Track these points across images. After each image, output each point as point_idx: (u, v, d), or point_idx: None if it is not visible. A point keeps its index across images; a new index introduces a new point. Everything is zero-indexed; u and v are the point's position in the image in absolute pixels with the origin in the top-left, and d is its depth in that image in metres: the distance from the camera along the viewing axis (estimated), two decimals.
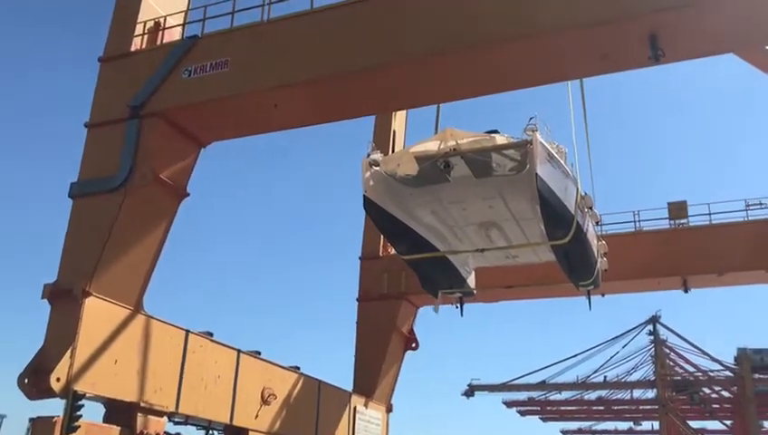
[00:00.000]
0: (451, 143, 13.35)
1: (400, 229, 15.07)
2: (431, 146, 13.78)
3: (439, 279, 17.65)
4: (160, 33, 17.46)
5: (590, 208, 16.43)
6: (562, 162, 14.11)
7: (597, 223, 17.86)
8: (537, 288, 23.75)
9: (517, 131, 13.20)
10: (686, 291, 24.96)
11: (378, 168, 14.07)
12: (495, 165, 13.73)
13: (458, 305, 20.17)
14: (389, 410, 26.01)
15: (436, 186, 14.32)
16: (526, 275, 21.10)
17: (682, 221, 25.56)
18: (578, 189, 15.06)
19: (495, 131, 13.69)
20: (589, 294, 19.30)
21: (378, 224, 15.22)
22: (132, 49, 16.93)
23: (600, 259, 18.16)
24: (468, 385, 66.16)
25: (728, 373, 61.38)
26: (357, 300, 25.87)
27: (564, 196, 13.86)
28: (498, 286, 22.85)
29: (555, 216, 13.78)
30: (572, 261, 16.36)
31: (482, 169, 13.77)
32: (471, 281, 18.57)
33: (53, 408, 13.43)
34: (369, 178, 13.96)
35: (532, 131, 12.76)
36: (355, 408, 23.48)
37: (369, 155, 14.11)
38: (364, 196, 13.91)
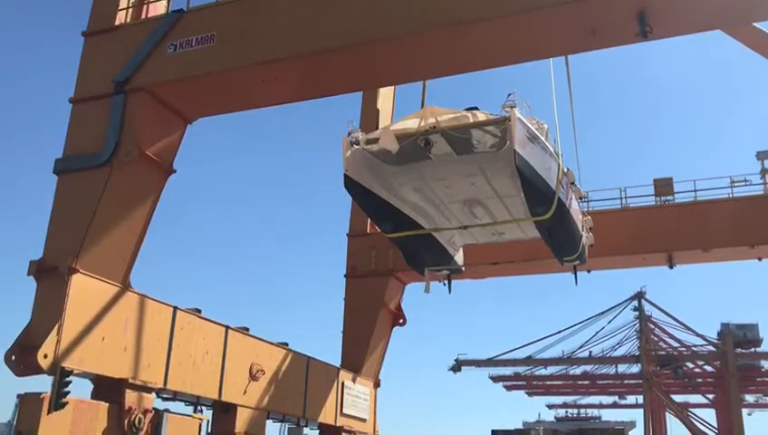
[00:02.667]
0: (431, 120, 13.37)
1: (382, 207, 15.11)
2: (411, 124, 13.79)
3: (425, 256, 17.72)
4: (145, 6, 17.24)
5: (573, 184, 16.48)
6: (543, 138, 14.14)
7: (581, 198, 17.95)
8: (524, 265, 23.96)
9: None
10: (671, 267, 25.19)
11: (358, 146, 14.05)
12: (476, 142, 13.76)
13: (446, 282, 20.28)
14: (377, 385, 26.22)
15: (418, 163, 14.34)
16: (513, 252, 21.22)
17: (668, 198, 25.70)
18: (559, 165, 15.09)
19: (475, 108, 13.72)
20: (575, 270, 19.47)
21: (359, 202, 15.22)
22: (117, 23, 16.70)
23: (585, 234, 18.27)
24: (455, 360, 66.81)
25: (711, 348, 62.30)
26: (345, 276, 25.94)
27: (545, 172, 13.90)
28: (484, 263, 22.98)
29: (535, 192, 13.85)
30: (556, 237, 16.47)
31: (462, 146, 13.79)
32: (459, 258, 18.64)
33: (41, 384, 13.44)
34: (350, 157, 13.95)
35: (511, 108, 12.76)
36: (343, 383, 23.64)
37: (349, 133, 14.08)
38: (345, 174, 13.91)
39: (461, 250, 18.78)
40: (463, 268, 19.14)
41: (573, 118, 19.09)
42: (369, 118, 25.21)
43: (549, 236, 16.48)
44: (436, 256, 17.56)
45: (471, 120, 13.41)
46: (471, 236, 17.63)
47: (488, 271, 25.48)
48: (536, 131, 13.73)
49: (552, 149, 14.73)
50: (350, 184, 14.08)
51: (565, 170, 15.73)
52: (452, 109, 13.65)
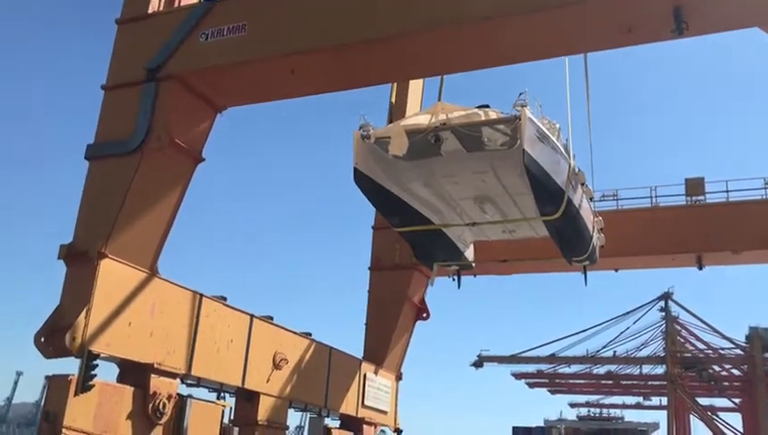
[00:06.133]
0: (441, 117, 13.41)
1: (392, 201, 15.21)
2: (422, 120, 13.88)
3: (434, 251, 17.78)
4: None
5: (584, 184, 16.40)
6: (554, 138, 14.07)
7: (591, 199, 17.81)
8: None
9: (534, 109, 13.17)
10: (700, 268, 24.81)
11: (369, 140, 14.07)
12: (486, 139, 13.76)
13: (455, 278, 20.31)
14: (399, 378, 26.21)
15: (429, 159, 14.37)
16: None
17: (699, 198, 25.35)
18: (570, 165, 15.00)
19: (486, 106, 13.70)
20: (584, 270, 19.42)
21: (368, 196, 15.22)
22: (150, 11, 16.81)
23: (596, 235, 18.19)
24: (477, 356, 66.54)
25: (739, 352, 61.32)
26: (369, 269, 25.94)
27: (554, 171, 13.88)
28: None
29: (545, 191, 13.83)
30: (565, 236, 16.47)
31: (473, 144, 13.78)
32: (469, 254, 18.68)
33: (69, 366, 13.64)
34: (360, 151, 14.00)
35: (521, 107, 12.72)
36: (365, 375, 23.70)
37: (360, 128, 14.12)
38: (354, 167, 14.00)
39: (471, 246, 18.79)
40: (473, 264, 19.16)
41: (589, 117, 18.99)
42: (398, 109, 25.05)
43: (558, 236, 16.47)
44: (446, 251, 17.60)
45: (482, 118, 13.43)
46: (481, 232, 17.64)
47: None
48: (547, 131, 13.68)
49: (563, 149, 14.65)
50: (360, 178, 14.19)
51: (576, 171, 15.65)
52: (463, 106, 13.65)
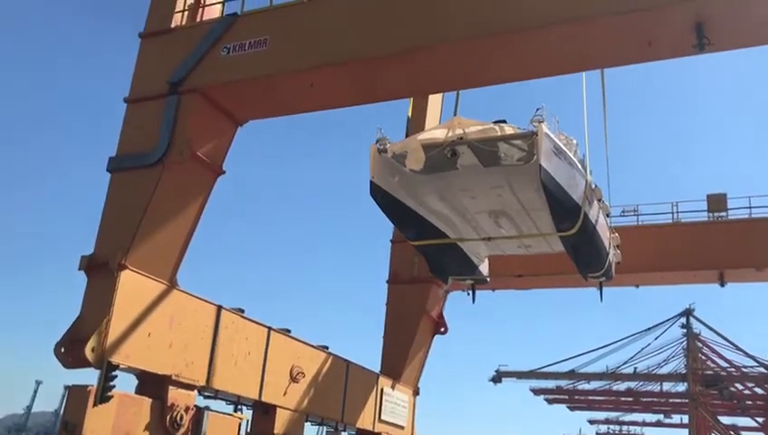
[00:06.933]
0: (458, 132, 13.47)
1: (407, 215, 15.27)
2: (439, 134, 13.93)
3: (449, 265, 17.79)
4: (200, 9, 17.52)
5: (600, 200, 16.32)
6: (570, 154, 14.03)
7: (608, 215, 17.72)
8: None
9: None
10: (722, 285, 24.50)
11: (386, 154, 14.11)
12: (503, 154, 13.80)
13: (470, 292, 20.22)
14: (416, 393, 26.05)
15: (445, 173, 14.38)
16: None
17: (721, 214, 25.08)
18: (587, 181, 14.94)
19: (503, 121, 13.74)
20: (600, 286, 19.33)
21: (384, 209, 15.24)
22: (172, 26, 17.02)
23: (612, 251, 18.09)
24: (496, 371, 65.90)
25: (762, 370, 60.32)
26: (387, 282, 25.88)
27: (571, 187, 13.86)
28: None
29: (561, 207, 13.80)
30: (581, 252, 16.42)
31: (489, 159, 13.82)
32: (484, 268, 18.65)
33: (88, 376, 13.75)
34: (377, 164, 14.03)
35: (539, 122, 12.71)
36: (382, 389, 23.59)
37: (377, 141, 14.16)
38: (371, 181, 14.04)
39: (486, 260, 18.77)
40: (488, 279, 19.12)
41: (606, 132, 19.05)
42: (415, 123, 25.04)
43: (574, 252, 16.41)
44: (461, 265, 17.61)
45: (498, 133, 13.43)
46: (497, 247, 17.61)
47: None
48: (564, 146, 13.64)
49: (579, 165, 14.60)
50: (377, 191, 14.24)
51: (593, 186, 15.59)
52: (480, 121, 13.66)
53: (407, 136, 21.75)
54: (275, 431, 17.99)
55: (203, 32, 16.41)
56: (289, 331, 19.33)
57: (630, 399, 73.13)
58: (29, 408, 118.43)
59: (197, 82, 15.91)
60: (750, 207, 24.63)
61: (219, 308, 16.60)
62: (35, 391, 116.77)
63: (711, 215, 25.18)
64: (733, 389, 61.12)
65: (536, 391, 71.57)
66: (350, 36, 15.02)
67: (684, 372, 62.74)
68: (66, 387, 13.94)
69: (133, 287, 14.43)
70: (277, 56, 15.49)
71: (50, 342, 13.88)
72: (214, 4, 17.56)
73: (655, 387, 69.19)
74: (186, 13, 17.26)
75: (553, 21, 13.33)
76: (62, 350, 13.81)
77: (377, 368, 24.10)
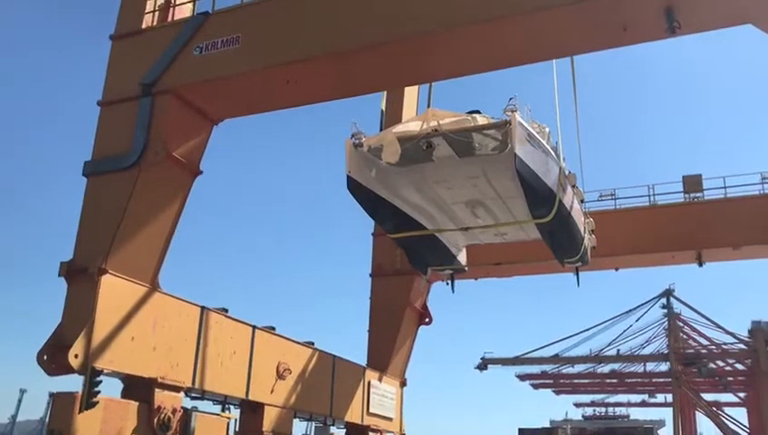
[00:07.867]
0: (432, 124, 13.49)
1: (385, 208, 15.31)
2: (414, 126, 13.97)
3: (428, 256, 17.92)
4: (171, 9, 17.37)
5: (575, 186, 16.51)
6: (544, 142, 14.17)
7: (582, 201, 17.93)
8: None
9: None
10: (700, 265, 24.88)
11: (362, 148, 14.14)
12: (477, 145, 13.86)
13: (449, 282, 20.34)
14: (403, 384, 26.20)
15: (421, 165, 14.46)
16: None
17: (697, 195, 25.40)
18: (561, 168, 15.10)
19: (477, 112, 13.85)
20: (576, 271, 19.60)
21: (361, 203, 15.25)
22: (143, 26, 16.86)
23: (587, 236, 18.33)
24: (481, 359, 66.28)
25: (742, 346, 61.27)
26: (370, 275, 25.96)
27: (545, 174, 13.99)
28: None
29: (536, 194, 13.93)
30: (557, 238, 16.63)
31: (464, 149, 13.88)
32: (462, 258, 18.82)
33: (73, 382, 13.65)
34: (353, 159, 14.06)
35: (511, 112, 12.81)
36: (369, 382, 23.68)
37: (352, 136, 14.18)
38: (347, 175, 14.04)
39: (464, 250, 18.92)
40: (466, 268, 19.30)
41: (577, 119, 19.20)
42: (391, 116, 25.01)
43: (550, 238, 16.61)
44: (440, 256, 17.75)
45: (472, 124, 13.49)
46: (474, 236, 17.75)
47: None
48: (537, 134, 13.75)
49: (552, 152, 14.75)
50: (353, 185, 14.25)
51: (567, 173, 15.75)
52: (454, 112, 13.73)
53: (381, 129, 21.81)
54: (264, 429, 18.00)
55: (174, 32, 16.27)
56: (274, 328, 19.32)
57: (615, 380, 74.07)
58: (14, 417, 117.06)
59: (171, 83, 15.79)
60: (725, 187, 25.01)
61: (203, 309, 16.55)
62: (20, 400, 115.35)
63: (687, 196, 25.51)
64: (713, 366, 62.04)
65: (522, 377, 72.19)
66: (321, 31, 14.98)
67: (666, 351, 63.54)
68: (51, 394, 13.81)
69: (114, 291, 14.33)
70: (250, 54, 15.41)
71: (33, 349, 13.76)
72: (184, 3, 17.43)
73: (638, 368, 70.12)
74: (156, 13, 17.12)
75: (529, 9, 13.39)
76: (45, 357, 13.70)
77: (363, 361, 24.18)
